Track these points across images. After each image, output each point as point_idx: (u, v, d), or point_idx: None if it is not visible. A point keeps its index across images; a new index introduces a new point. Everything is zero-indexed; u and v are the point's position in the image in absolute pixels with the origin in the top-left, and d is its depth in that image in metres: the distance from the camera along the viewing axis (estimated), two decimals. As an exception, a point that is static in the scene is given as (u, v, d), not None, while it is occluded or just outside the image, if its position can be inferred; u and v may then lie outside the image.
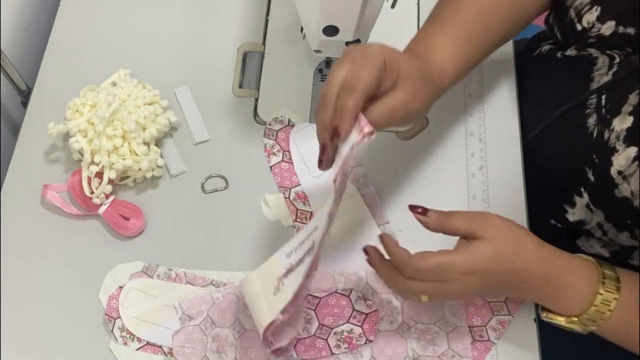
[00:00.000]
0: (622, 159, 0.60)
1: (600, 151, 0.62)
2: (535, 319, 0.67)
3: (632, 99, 0.61)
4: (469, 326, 0.66)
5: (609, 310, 0.55)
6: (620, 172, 0.60)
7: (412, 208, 0.59)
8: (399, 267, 0.57)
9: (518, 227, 0.58)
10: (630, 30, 0.63)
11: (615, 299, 0.55)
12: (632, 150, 0.59)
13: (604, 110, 0.63)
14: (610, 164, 0.60)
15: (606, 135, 0.62)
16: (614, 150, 0.61)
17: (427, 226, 0.59)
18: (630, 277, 0.58)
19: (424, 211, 0.58)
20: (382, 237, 0.59)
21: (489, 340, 0.66)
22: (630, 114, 0.60)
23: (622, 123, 0.60)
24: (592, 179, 0.64)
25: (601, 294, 0.56)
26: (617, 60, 0.65)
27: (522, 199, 0.73)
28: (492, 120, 0.78)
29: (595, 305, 0.55)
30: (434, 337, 0.66)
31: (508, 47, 0.82)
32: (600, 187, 0.63)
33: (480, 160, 0.75)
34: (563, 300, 0.58)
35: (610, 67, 0.66)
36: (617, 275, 0.57)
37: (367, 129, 0.53)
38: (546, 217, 0.71)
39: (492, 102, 0.79)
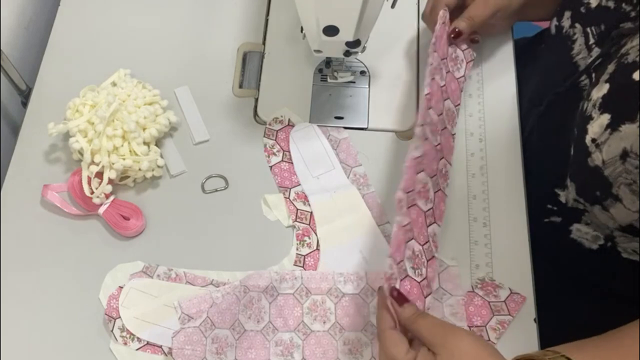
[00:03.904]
0: (596, 126, 0.59)
1: (579, 122, 0.62)
2: (535, 319, 0.67)
3: (610, 67, 0.60)
4: (469, 326, 0.66)
5: None
6: (593, 140, 0.59)
7: (392, 292, 0.57)
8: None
9: (482, 350, 0.54)
10: (610, 4, 0.64)
11: None
12: (605, 118, 0.58)
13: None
14: (586, 132, 0.60)
15: (585, 105, 0.61)
16: (589, 118, 0.60)
17: (398, 316, 0.57)
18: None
19: (402, 300, 0.57)
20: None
21: (489, 340, 0.66)
22: (606, 81, 0.59)
23: (598, 91, 0.60)
24: (572, 152, 0.63)
25: None
26: (592, 41, 0.66)
27: (522, 199, 0.73)
28: (492, 120, 0.78)
29: None
30: (434, 337, 0.66)
31: (508, 46, 0.82)
32: (576, 157, 0.62)
33: (480, 160, 0.75)
34: None
35: (589, 49, 0.66)
36: None
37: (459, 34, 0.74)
38: (543, 203, 0.71)
39: (492, 102, 0.79)
